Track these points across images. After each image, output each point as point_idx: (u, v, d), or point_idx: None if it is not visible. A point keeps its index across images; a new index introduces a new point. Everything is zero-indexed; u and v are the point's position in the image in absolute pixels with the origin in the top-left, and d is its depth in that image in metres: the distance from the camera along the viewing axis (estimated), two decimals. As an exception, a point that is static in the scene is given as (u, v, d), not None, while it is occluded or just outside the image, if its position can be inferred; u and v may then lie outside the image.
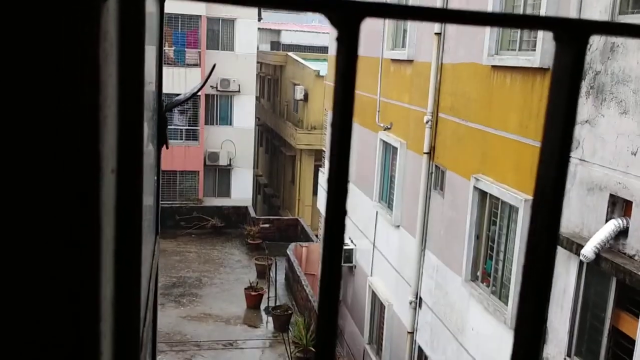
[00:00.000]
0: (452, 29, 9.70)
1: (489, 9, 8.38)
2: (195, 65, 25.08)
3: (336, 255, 0.45)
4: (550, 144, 0.48)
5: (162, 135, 1.52)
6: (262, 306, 17.44)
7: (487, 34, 8.41)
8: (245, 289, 17.62)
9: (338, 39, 0.46)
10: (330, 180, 0.46)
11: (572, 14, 6.61)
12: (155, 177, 1.58)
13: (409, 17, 0.47)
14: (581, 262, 6.34)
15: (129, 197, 0.63)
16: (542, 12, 7.22)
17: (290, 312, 16.37)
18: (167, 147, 1.58)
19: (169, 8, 25.57)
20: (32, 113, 0.41)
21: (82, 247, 0.44)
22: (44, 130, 0.42)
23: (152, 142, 1.41)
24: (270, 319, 16.56)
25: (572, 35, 0.48)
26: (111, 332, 0.57)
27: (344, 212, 0.48)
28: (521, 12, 7.92)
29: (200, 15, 24.84)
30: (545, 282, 0.47)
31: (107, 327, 0.53)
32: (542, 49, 7.14)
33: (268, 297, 17.31)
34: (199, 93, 24.79)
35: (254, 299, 17.40)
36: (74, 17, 0.41)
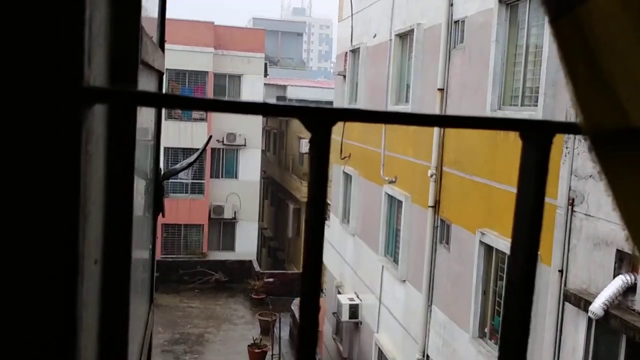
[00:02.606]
0: (455, 85, 9.86)
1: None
2: (202, 119, 25.45)
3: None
4: (519, 238, 0.50)
5: (159, 204, 1.54)
6: (266, 363, 17.07)
7: (490, 88, 8.55)
8: (248, 346, 17.30)
9: (310, 141, 0.48)
10: (303, 282, 0.47)
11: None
12: (151, 246, 1.59)
13: (376, 120, 0.49)
14: (590, 319, 6.23)
15: (115, 286, 0.64)
16: (545, 46, 7.28)
17: (295, 369, 16.01)
18: (163, 216, 1.60)
19: (176, 64, 26.09)
20: (10, 215, 0.42)
21: (56, 340, 0.45)
22: (25, 228, 0.43)
23: (148, 211, 1.43)
24: (275, 376, 16.18)
25: (538, 135, 0.50)
26: None
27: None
28: (524, 47, 8.05)
29: (208, 72, 25.38)
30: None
31: None
32: (544, 104, 7.23)
33: (272, 355, 16.95)
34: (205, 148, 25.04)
35: (257, 357, 17.04)
36: (55, 122, 0.42)
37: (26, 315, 0.45)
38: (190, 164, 2.70)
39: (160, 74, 1.53)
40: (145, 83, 1.24)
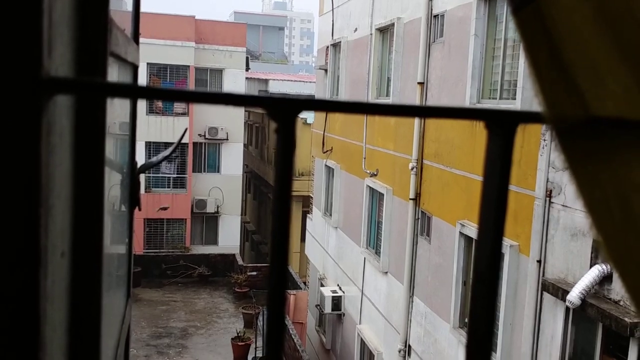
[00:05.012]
0: (435, 78, 9.91)
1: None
2: (184, 114, 25.28)
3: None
4: (484, 234, 0.51)
5: (135, 198, 1.53)
6: (250, 356, 17.08)
7: (469, 81, 8.61)
8: (232, 339, 17.29)
9: (276, 131, 0.49)
10: (271, 270, 0.48)
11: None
12: (128, 240, 1.58)
13: (339, 110, 0.50)
14: (567, 308, 6.33)
15: (86, 279, 0.64)
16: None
17: (278, 362, 16.03)
18: (139, 209, 1.60)
19: (157, 58, 25.87)
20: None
21: (19, 337, 0.45)
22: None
23: (124, 204, 1.42)
24: (258, 369, 16.20)
25: (502, 124, 0.51)
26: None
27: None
28: (502, 41, 8.13)
29: (189, 66, 25.20)
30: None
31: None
32: (522, 98, 7.30)
33: (255, 347, 16.97)
34: (187, 142, 24.90)
35: (241, 350, 17.04)
36: (12, 112, 0.42)
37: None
38: (166, 157, 2.69)
39: (134, 67, 1.52)
40: (118, 76, 1.24)
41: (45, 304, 0.47)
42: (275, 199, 0.50)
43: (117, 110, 1.23)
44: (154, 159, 2.69)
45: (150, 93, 0.47)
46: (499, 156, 0.52)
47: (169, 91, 0.46)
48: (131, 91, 0.46)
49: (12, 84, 0.42)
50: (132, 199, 1.50)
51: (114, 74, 1.12)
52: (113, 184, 1.15)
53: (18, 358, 0.45)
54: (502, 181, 0.52)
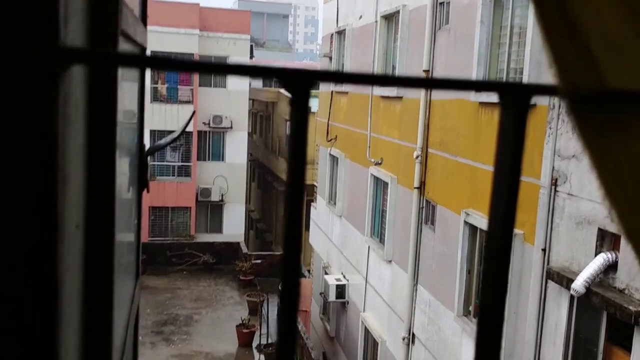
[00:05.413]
0: (440, 66, 9.87)
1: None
2: (188, 102, 25.27)
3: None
4: (497, 206, 0.51)
5: (143, 179, 1.54)
6: (254, 344, 17.19)
7: (475, 69, 8.57)
8: (237, 326, 17.39)
9: (290, 102, 0.49)
10: (285, 234, 0.48)
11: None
12: (136, 221, 1.59)
13: (354, 82, 0.50)
14: (572, 297, 6.34)
15: (98, 251, 0.64)
16: (529, 25, 7.34)
17: (282, 349, 16.13)
18: (147, 191, 1.60)
19: (161, 46, 25.81)
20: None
21: (38, 303, 0.45)
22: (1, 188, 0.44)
23: (132, 185, 1.43)
24: (263, 356, 16.30)
25: (516, 98, 0.51)
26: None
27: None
28: (509, 28, 8.08)
29: (193, 54, 25.14)
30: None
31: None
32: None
33: (260, 335, 17.07)
34: (192, 130, 24.91)
35: (245, 337, 17.15)
36: (30, 85, 0.43)
37: (6, 273, 0.45)
38: (174, 139, 2.70)
39: (142, 49, 1.52)
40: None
41: (63, 271, 0.47)
42: (289, 172, 0.50)
43: (125, 90, 1.24)
44: (162, 140, 2.71)
45: (163, 63, 0.48)
46: (512, 129, 0.52)
47: (183, 62, 0.46)
48: (145, 61, 0.46)
49: (31, 53, 0.43)
50: (141, 181, 1.51)
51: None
52: (123, 164, 1.16)
53: (37, 310, 0.46)
54: (515, 156, 0.52)
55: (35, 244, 0.45)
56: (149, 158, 1.70)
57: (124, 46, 1.01)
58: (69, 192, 0.51)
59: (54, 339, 0.46)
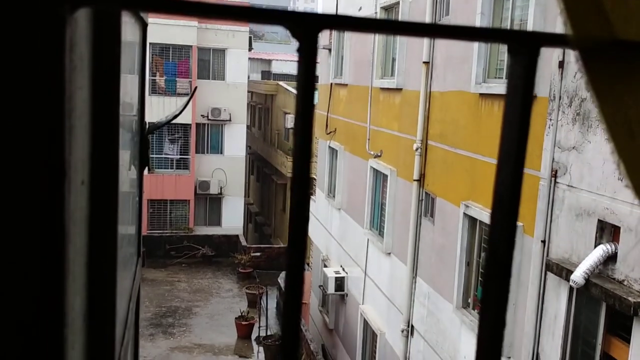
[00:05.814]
0: (440, 58, 9.84)
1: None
2: (187, 94, 25.20)
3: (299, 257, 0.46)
4: (506, 156, 0.50)
5: (145, 158, 1.53)
6: (253, 336, 17.23)
7: (475, 62, 8.55)
8: (236, 318, 17.42)
9: (298, 50, 0.48)
10: (293, 187, 0.47)
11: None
12: (138, 199, 1.58)
13: (363, 29, 0.49)
14: (571, 288, 6.34)
15: (103, 208, 0.64)
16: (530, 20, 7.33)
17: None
18: (149, 170, 1.59)
19: (160, 38, 25.74)
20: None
21: (46, 256, 0.45)
22: (4, 136, 0.43)
23: (134, 164, 1.42)
24: (262, 348, 16.34)
25: (524, 47, 0.50)
26: (82, 343, 0.57)
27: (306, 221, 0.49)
28: (509, 20, 8.05)
29: (192, 46, 25.08)
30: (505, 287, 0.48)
31: (75, 336, 0.53)
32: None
33: (259, 327, 17.11)
34: (190, 122, 24.87)
35: (244, 329, 17.19)
36: (36, 27, 0.42)
37: (12, 217, 0.45)
38: (175, 116, 2.69)
39: (144, 25, 1.50)
40: (130, 33, 1.23)
41: (69, 220, 0.47)
42: (297, 121, 0.49)
43: (127, 85, 1.23)
44: (163, 118, 2.69)
45: (168, 5, 0.46)
46: (521, 77, 0.51)
47: (187, 3, 0.45)
48: (151, 3, 0.45)
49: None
50: (142, 158, 1.50)
51: (127, 29, 1.11)
52: (125, 140, 1.15)
53: (46, 260, 0.45)
54: (524, 106, 0.52)
55: (43, 192, 0.44)
56: (149, 137, 1.69)
57: (126, 21, 1.00)
58: (75, 145, 0.50)
59: (61, 289, 0.45)
